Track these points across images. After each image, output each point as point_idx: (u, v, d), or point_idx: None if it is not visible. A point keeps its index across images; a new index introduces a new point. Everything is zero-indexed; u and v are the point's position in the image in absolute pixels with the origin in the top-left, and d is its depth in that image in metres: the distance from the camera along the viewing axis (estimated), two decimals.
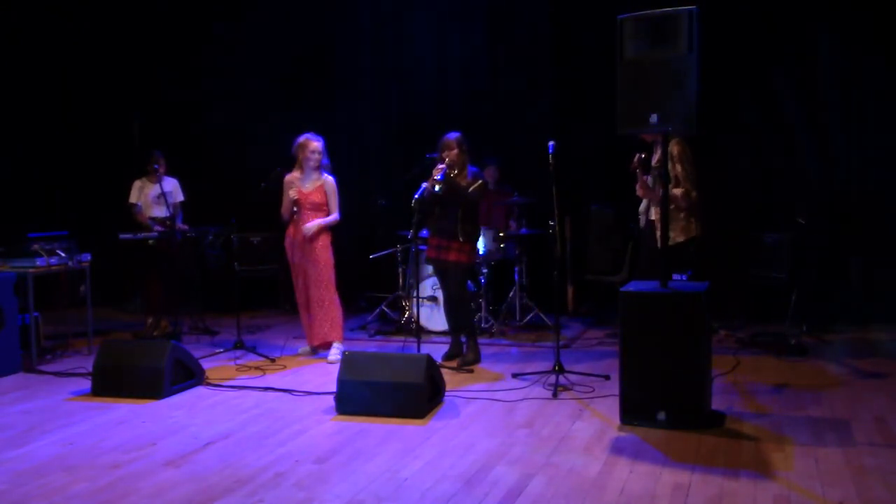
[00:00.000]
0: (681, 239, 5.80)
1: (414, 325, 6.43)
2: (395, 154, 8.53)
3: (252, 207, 6.65)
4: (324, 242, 6.21)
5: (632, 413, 4.44)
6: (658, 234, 5.86)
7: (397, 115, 8.66)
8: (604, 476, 3.70)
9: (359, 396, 4.74)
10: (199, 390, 5.44)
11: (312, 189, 6.21)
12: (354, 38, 8.70)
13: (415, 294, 6.60)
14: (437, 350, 6.11)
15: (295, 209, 6.18)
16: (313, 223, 6.14)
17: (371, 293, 8.27)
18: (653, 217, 5.95)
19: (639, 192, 5.87)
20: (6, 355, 5.98)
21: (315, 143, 6.16)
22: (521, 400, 5.00)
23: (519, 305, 7.42)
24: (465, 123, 7.45)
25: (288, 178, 6.28)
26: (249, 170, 8.52)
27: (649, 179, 5.81)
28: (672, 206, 5.58)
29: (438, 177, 5.72)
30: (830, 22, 7.06)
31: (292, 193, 6.17)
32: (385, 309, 7.71)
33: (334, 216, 6.25)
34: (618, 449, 4.07)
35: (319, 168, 6.21)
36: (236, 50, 9.04)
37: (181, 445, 4.28)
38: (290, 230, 6.27)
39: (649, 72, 4.37)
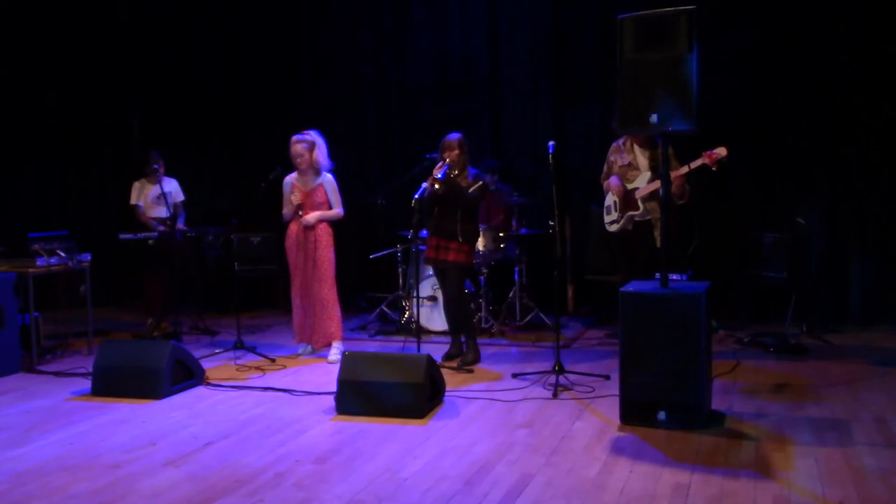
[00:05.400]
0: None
1: (414, 325, 6.43)
2: (396, 154, 8.55)
3: (252, 207, 6.66)
4: (327, 242, 6.22)
5: (632, 413, 4.44)
6: (656, 233, 5.92)
7: (398, 115, 8.67)
8: (604, 476, 3.70)
9: (359, 396, 4.74)
10: (199, 390, 5.44)
11: (312, 189, 6.22)
12: (354, 37, 8.71)
13: (415, 294, 6.60)
14: (437, 350, 6.12)
15: (300, 213, 6.20)
16: (314, 214, 6.15)
17: (371, 293, 8.28)
18: (649, 216, 5.98)
19: (675, 189, 5.79)
20: (6, 355, 5.99)
21: (297, 146, 6.16)
22: (521, 400, 5.00)
23: (519, 305, 7.42)
24: (464, 123, 7.51)
25: (287, 180, 6.29)
26: (249, 170, 8.61)
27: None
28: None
29: (439, 175, 5.72)
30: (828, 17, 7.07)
31: (294, 199, 6.19)
32: (385, 309, 7.71)
33: (337, 210, 6.27)
34: (618, 449, 4.07)
35: (315, 168, 6.20)
36: (233, 46, 9.07)
37: (181, 445, 4.28)
38: (293, 229, 6.27)
39: (649, 72, 4.37)
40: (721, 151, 5.48)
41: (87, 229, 8.67)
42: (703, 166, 5.54)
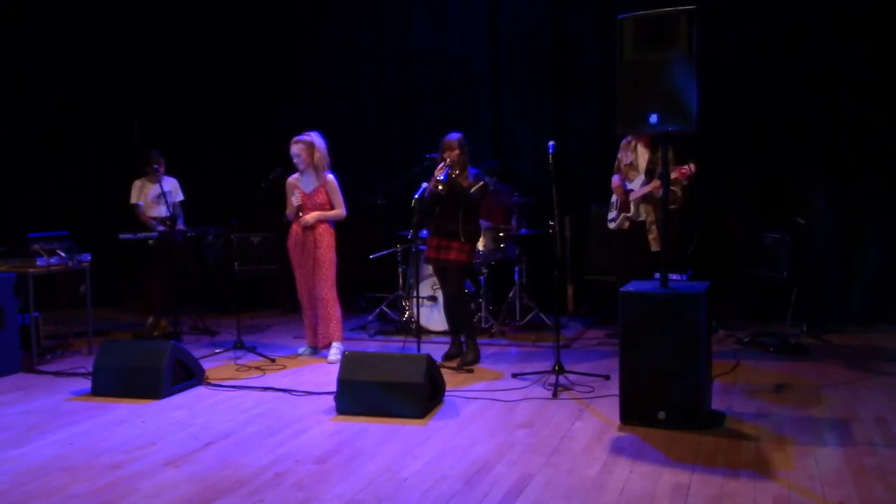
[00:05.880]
0: (657, 248, 5.86)
1: (414, 325, 6.43)
2: (395, 154, 8.55)
3: (252, 207, 6.66)
4: (328, 242, 6.22)
5: (632, 413, 4.44)
6: (651, 237, 5.94)
7: (398, 115, 8.66)
8: (604, 476, 3.70)
9: (359, 396, 4.74)
10: (199, 390, 5.44)
11: (314, 190, 6.22)
12: (354, 36, 8.71)
13: (415, 294, 6.60)
14: (437, 350, 6.12)
15: (300, 213, 6.20)
16: (313, 214, 6.16)
17: (371, 293, 8.28)
18: (641, 219, 6.00)
19: (654, 189, 5.87)
20: (6, 355, 5.99)
21: (295, 146, 6.16)
22: (521, 400, 5.00)
23: (519, 305, 7.41)
24: (464, 123, 7.50)
25: (289, 180, 6.31)
26: (249, 170, 8.61)
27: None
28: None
29: (441, 176, 5.73)
30: (828, 16, 7.06)
31: (295, 200, 6.19)
32: (385, 309, 7.71)
33: (339, 211, 6.27)
34: (618, 449, 4.07)
35: (315, 169, 6.19)
36: (233, 46, 9.07)
37: (181, 445, 4.28)
38: (295, 229, 6.28)
39: (649, 72, 4.37)
40: (690, 167, 5.72)
41: (87, 229, 8.67)
42: (676, 180, 5.70)
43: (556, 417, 4.62)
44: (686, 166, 5.73)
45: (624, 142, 6.19)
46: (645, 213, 6.02)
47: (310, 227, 6.17)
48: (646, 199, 5.99)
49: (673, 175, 5.77)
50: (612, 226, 6.23)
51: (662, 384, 4.34)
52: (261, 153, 8.62)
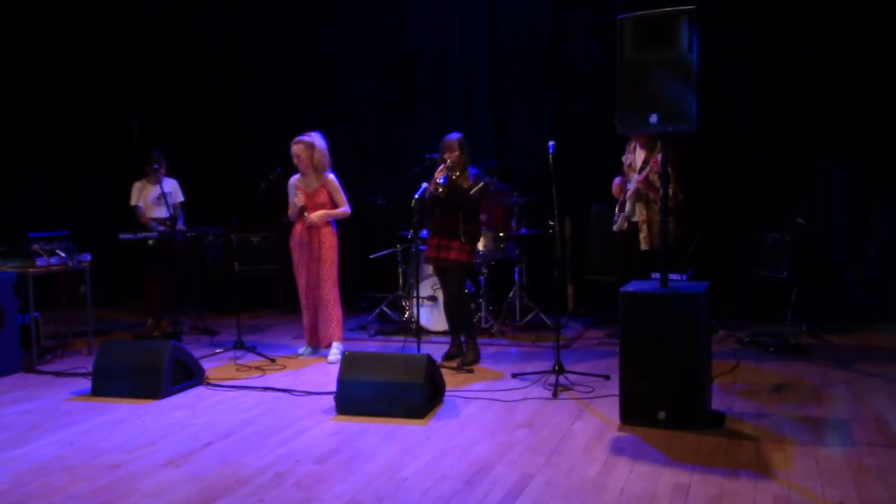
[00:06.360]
0: (646, 247, 5.85)
1: (414, 325, 6.43)
2: (395, 154, 8.55)
3: (252, 207, 6.66)
4: (331, 242, 6.22)
5: (632, 413, 4.45)
6: (642, 236, 5.94)
7: (398, 115, 8.67)
8: (604, 476, 3.70)
9: (359, 396, 4.74)
10: (199, 390, 5.44)
11: (315, 190, 6.22)
12: (354, 36, 8.71)
13: (415, 294, 6.60)
14: (437, 350, 6.12)
15: (304, 213, 6.20)
16: (318, 213, 6.15)
17: (371, 293, 8.28)
18: (636, 219, 5.98)
19: (640, 185, 5.87)
20: (6, 355, 5.99)
21: (295, 147, 6.17)
22: (521, 400, 5.00)
23: (519, 305, 7.41)
24: (464, 123, 7.50)
25: (291, 181, 6.31)
26: (249, 170, 8.61)
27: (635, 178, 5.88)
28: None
29: (441, 180, 5.73)
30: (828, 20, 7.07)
31: (298, 201, 6.19)
32: (385, 309, 7.71)
33: (343, 209, 6.27)
34: (618, 449, 4.07)
35: (316, 169, 6.19)
36: (233, 46, 9.07)
37: (181, 445, 4.28)
38: (298, 228, 6.27)
39: (649, 72, 4.37)
40: (655, 160, 5.69)
41: (87, 229, 8.67)
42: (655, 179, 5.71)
43: (556, 417, 4.62)
44: (653, 159, 5.72)
45: (629, 144, 6.19)
46: (638, 213, 6.02)
47: (314, 227, 6.17)
48: (639, 198, 5.98)
49: (645, 172, 5.78)
50: (614, 227, 6.23)
51: (662, 384, 4.34)
52: (261, 153, 8.61)
